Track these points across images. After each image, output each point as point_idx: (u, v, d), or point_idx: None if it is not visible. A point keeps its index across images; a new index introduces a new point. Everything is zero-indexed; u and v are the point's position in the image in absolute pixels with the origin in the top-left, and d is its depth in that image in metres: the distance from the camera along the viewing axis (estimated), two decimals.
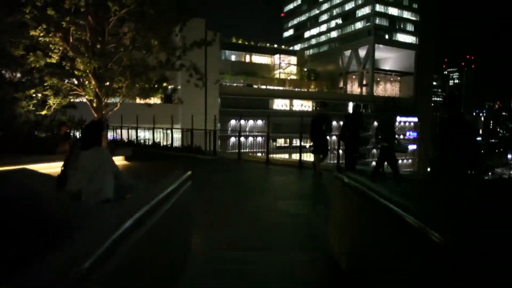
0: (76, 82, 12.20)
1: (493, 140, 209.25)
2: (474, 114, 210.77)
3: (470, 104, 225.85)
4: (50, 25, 9.86)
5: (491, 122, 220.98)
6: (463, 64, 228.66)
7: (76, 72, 11.10)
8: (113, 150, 10.12)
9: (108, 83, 12.38)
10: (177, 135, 17.21)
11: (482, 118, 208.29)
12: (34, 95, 11.86)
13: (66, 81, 11.96)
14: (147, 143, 18.08)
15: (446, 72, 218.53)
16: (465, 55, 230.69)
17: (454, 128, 4.34)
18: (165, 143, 16.97)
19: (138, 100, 17.98)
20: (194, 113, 44.50)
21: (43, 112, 12.02)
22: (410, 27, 66.66)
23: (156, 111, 43.56)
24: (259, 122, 51.61)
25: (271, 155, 12.90)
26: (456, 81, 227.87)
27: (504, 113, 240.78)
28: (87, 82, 11.78)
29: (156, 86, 13.42)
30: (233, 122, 50.02)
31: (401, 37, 65.90)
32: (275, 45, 66.18)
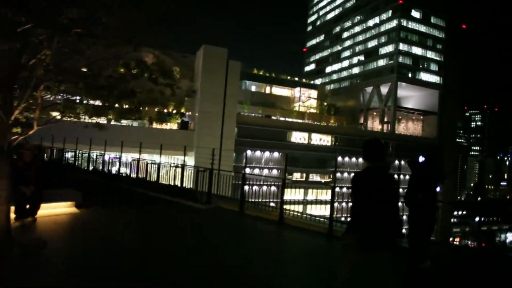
0: None
1: None
2: (498, 158, 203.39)
3: (492, 147, 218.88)
4: None
5: None
6: (485, 106, 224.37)
7: None
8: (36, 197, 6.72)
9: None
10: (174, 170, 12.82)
11: (507, 163, 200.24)
12: None
13: None
14: (128, 176, 14.38)
15: (468, 114, 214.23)
16: (488, 98, 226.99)
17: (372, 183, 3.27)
18: (156, 179, 12.73)
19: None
20: (210, 142, 43.87)
21: None
22: (433, 67, 65.64)
23: (168, 137, 43.13)
24: (276, 154, 50.25)
25: (287, 209, 9.38)
26: (479, 123, 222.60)
27: None
28: None
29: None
30: (249, 152, 48.84)
31: (424, 76, 64.79)
32: (296, 78, 66.11)
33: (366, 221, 3.14)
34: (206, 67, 44.79)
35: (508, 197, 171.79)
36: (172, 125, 45.96)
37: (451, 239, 71.15)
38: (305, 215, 9.25)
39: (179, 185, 11.36)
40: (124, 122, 44.18)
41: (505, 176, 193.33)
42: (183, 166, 11.65)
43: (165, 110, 46.58)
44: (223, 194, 10.37)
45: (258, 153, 49.32)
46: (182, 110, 47.72)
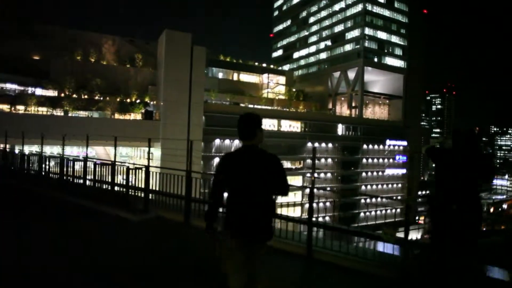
0: None
1: None
2: None
3: (451, 129, 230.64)
4: None
5: None
6: (445, 90, 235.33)
7: None
8: None
9: None
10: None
11: None
12: None
13: None
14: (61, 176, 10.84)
15: (429, 98, 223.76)
16: (446, 82, 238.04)
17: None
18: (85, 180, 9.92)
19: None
20: (176, 132, 42.00)
21: None
22: (398, 51, 66.78)
23: (132, 128, 40.82)
24: None
25: None
26: (439, 106, 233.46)
27: (484, 139, 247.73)
28: None
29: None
30: (217, 141, 47.43)
31: (389, 61, 65.82)
32: (264, 64, 64.98)
33: (237, 212, 2.76)
34: (169, 53, 42.52)
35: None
36: (136, 116, 43.53)
37: (417, 218, 74.21)
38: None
39: (122, 188, 8.63)
40: (83, 113, 41.33)
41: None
42: (113, 164, 8.71)
43: (128, 100, 44.06)
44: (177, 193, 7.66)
45: (227, 142, 48.03)
46: (146, 99, 45.37)
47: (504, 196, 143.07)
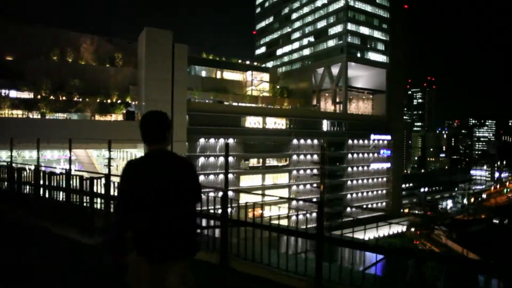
0: None
1: (455, 157, 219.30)
2: (437, 132, 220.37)
3: (432, 123, 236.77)
4: None
5: (453, 139, 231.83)
6: (425, 84, 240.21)
7: None
8: None
9: None
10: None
11: (445, 136, 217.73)
12: None
13: None
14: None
15: (410, 92, 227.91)
16: (427, 76, 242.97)
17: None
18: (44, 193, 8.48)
19: None
20: None
21: None
22: (380, 46, 67.32)
23: (113, 129, 39.62)
24: (231, 140, 48.59)
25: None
26: (420, 100, 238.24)
27: (463, 131, 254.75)
28: None
29: None
30: (202, 141, 46.61)
31: (372, 56, 66.30)
32: (247, 62, 64.39)
33: (146, 230, 2.35)
34: (150, 51, 41.41)
35: (446, 167, 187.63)
36: (117, 116, 42.29)
37: (401, 210, 75.43)
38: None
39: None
40: (61, 115, 39.84)
41: (444, 148, 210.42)
42: (68, 173, 7.07)
43: (109, 101, 42.76)
44: None
45: (212, 140, 47.28)
46: (127, 100, 44.13)
47: (483, 186, 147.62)
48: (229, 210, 5.09)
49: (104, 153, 54.91)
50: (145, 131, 2.47)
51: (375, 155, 64.15)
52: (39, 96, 38.99)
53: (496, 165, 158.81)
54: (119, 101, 43.19)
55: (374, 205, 64.29)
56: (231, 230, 5.08)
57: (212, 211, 5.17)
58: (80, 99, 40.55)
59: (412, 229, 70.51)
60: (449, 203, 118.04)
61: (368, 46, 65.63)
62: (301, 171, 55.26)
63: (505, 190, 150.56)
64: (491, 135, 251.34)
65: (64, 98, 40.37)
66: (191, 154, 45.02)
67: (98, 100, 41.59)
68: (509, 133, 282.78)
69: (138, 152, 43.10)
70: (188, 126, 43.94)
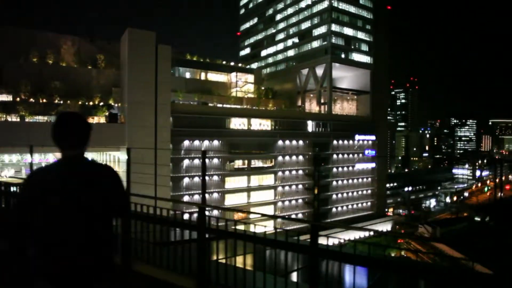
0: None
1: (438, 156, 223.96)
2: (420, 132, 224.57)
3: (415, 122, 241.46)
4: None
5: (435, 139, 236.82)
6: (407, 85, 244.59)
7: None
8: None
9: None
10: None
11: (428, 136, 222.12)
12: None
13: None
14: None
15: (393, 93, 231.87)
16: (409, 76, 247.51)
17: None
18: None
19: None
20: (143, 135, 40.18)
21: None
22: (364, 47, 67.99)
23: (95, 132, 38.75)
24: (215, 142, 48.09)
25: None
26: (403, 100, 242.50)
27: (445, 131, 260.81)
28: None
29: None
30: (186, 142, 45.96)
31: (356, 57, 66.88)
32: (232, 63, 63.99)
33: (54, 251, 1.93)
34: (132, 52, 40.53)
35: (429, 166, 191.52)
36: (100, 119, 41.28)
37: (386, 210, 76.35)
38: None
39: None
40: (41, 118, 38.65)
41: (426, 148, 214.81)
42: None
43: (91, 103, 41.78)
44: None
45: (197, 142, 46.67)
46: (110, 102, 43.15)
47: (465, 185, 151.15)
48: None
49: (87, 156, 53.61)
50: (62, 134, 2.10)
51: (360, 155, 64.69)
52: (18, 99, 37.91)
53: (477, 163, 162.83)
54: (101, 104, 42.28)
55: (360, 205, 64.79)
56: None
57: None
58: (61, 102, 39.62)
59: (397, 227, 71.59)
60: (433, 202, 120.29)
61: (352, 47, 66.20)
62: (287, 172, 55.19)
63: (485, 188, 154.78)
64: (472, 134, 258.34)
65: (44, 100, 39.41)
66: (175, 156, 44.33)
67: (80, 103, 40.69)
68: (489, 132, 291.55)
69: (121, 154, 42.13)
70: (172, 128, 43.25)
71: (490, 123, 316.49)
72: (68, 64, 43.02)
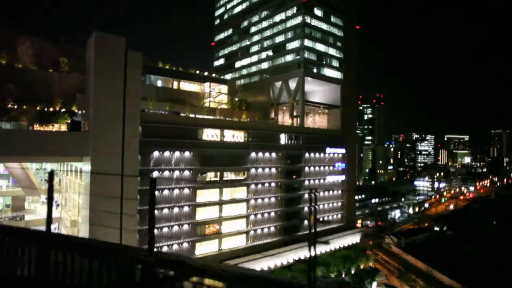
0: None
1: (401, 169, 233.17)
2: (385, 145, 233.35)
3: (381, 137, 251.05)
4: None
5: (399, 152, 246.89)
6: (374, 101, 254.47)
7: None
8: None
9: None
10: None
11: (392, 149, 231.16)
12: None
13: None
14: None
15: (361, 108, 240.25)
16: (376, 93, 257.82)
17: None
18: None
19: None
20: (109, 144, 37.99)
21: None
22: (335, 63, 69.71)
23: (55, 140, 35.99)
24: (187, 154, 46.59)
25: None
26: (370, 115, 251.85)
27: (408, 145, 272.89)
28: None
29: None
30: (156, 154, 44.12)
31: (328, 72, 68.37)
32: (205, 73, 63.11)
33: None
34: (99, 57, 38.35)
35: (394, 178, 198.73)
36: (61, 127, 38.46)
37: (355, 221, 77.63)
38: None
39: None
40: None
41: (391, 161, 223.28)
42: None
43: (51, 109, 38.82)
44: None
45: (167, 153, 44.94)
46: (73, 109, 40.42)
47: (425, 196, 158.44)
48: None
49: (47, 166, 49.84)
50: None
51: (331, 168, 65.51)
52: None
53: (435, 176, 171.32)
54: (63, 110, 39.46)
55: (331, 217, 65.26)
56: None
57: None
58: (15, 106, 36.37)
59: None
60: (397, 213, 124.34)
61: (324, 62, 67.67)
62: (259, 185, 54.53)
63: (443, 200, 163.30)
64: (430, 148, 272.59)
65: None
66: (144, 167, 42.33)
67: (38, 108, 37.66)
68: (445, 147, 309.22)
69: (84, 165, 39.55)
70: (141, 138, 41.25)
71: (445, 138, 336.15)
72: (25, 65, 40.04)
